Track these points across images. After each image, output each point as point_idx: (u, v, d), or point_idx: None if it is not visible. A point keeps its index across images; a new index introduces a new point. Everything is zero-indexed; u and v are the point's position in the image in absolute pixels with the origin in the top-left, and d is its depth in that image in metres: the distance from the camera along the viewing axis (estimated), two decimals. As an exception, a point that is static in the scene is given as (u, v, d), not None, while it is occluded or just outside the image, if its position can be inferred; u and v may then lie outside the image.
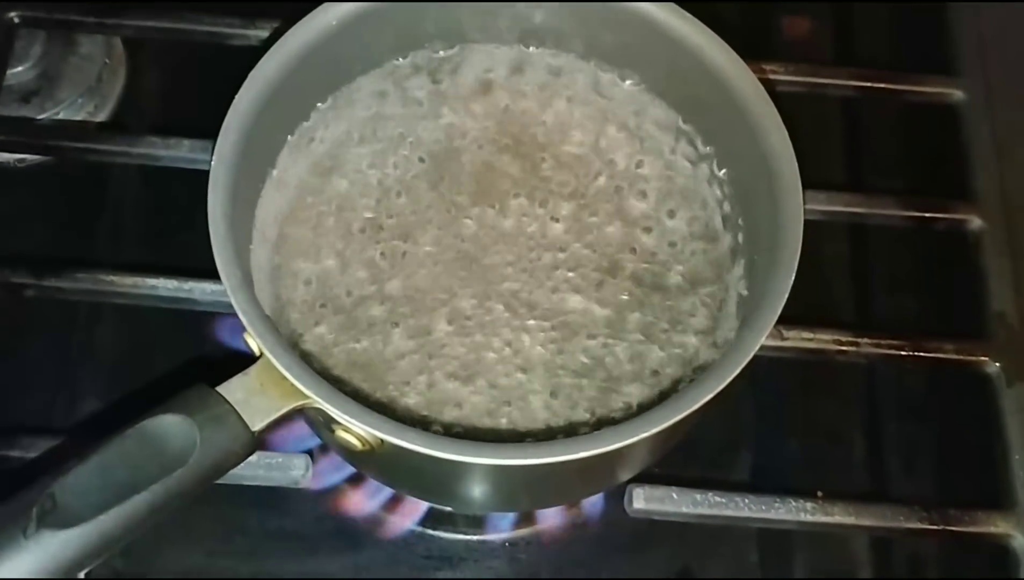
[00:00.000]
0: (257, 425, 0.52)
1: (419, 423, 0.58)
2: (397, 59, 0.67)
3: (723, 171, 0.65)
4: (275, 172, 0.64)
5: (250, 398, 0.52)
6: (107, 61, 0.81)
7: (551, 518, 0.69)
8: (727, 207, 0.64)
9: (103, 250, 0.76)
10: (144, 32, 0.78)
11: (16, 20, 0.76)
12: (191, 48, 0.78)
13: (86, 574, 0.48)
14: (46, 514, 0.46)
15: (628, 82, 0.68)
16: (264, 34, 0.75)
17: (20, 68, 0.78)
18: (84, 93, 0.79)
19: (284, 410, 0.53)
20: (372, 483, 0.68)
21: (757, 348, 0.54)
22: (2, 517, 0.46)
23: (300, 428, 0.65)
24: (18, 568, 0.45)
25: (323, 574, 0.67)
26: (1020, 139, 0.76)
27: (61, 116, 0.78)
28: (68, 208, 0.78)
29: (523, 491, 0.62)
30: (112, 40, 0.82)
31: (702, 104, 0.65)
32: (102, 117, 0.80)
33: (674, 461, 0.67)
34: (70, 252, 0.74)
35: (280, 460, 0.63)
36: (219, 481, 0.58)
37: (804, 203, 0.58)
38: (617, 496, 0.66)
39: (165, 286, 0.67)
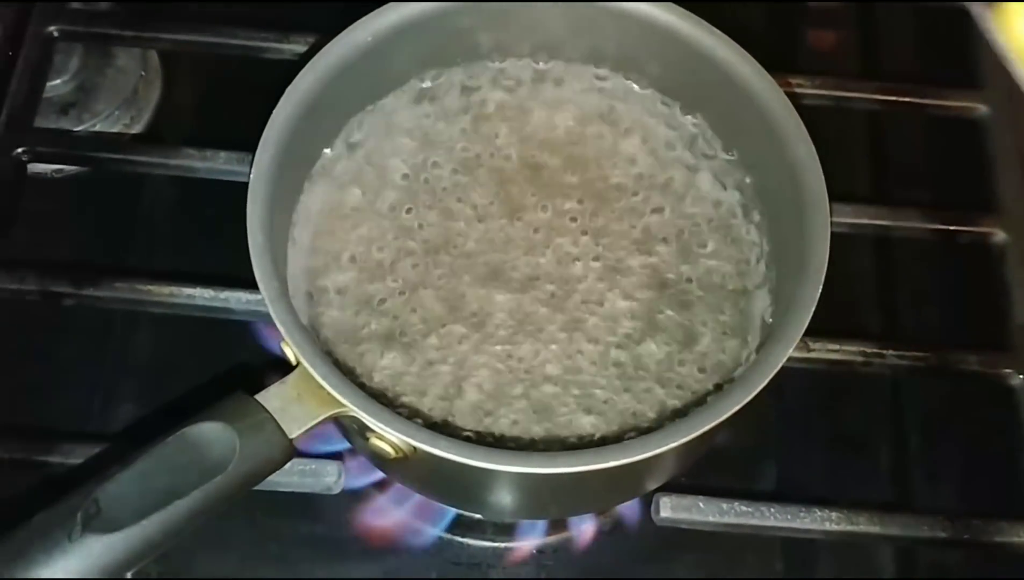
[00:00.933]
0: (294, 433, 0.53)
1: (451, 431, 0.59)
2: (430, 73, 0.68)
3: (749, 182, 0.66)
4: (311, 184, 0.65)
5: (287, 406, 0.53)
6: (143, 74, 0.82)
7: (579, 526, 0.69)
8: (754, 218, 0.65)
9: (140, 259, 0.77)
10: (179, 45, 0.79)
11: (55, 34, 0.77)
12: (225, 61, 0.79)
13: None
14: (90, 518, 0.47)
15: (651, 93, 0.69)
16: (298, 48, 0.76)
17: (58, 81, 0.80)
18: (120, 105, 0.80)
19: (320, 418, 0.54)
20: (401, 490, 0.69)
21: (784, 360, 0.54)
22: (48, 521, 0.48)
23: (330, 433, 0.66)
24: (63, 570, 0.47)
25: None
26: (1044, 153, 0.77)
27: (98, 128, 0.80)
28: (105, 218, 0.79)
29: (551, 499, 0.63)
30: (148, 53, 0.83)
31: (728, 116, 0.66)
32: (138, 129, 0.81)
33: (701, 470, 0.68)
34: (108, 261, 0.76)
35: (313, 467, 0.64)
36: (256, 488, 0.60)
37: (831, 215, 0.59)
38: (645, 505, 0.67)
39: (201, 295, 0.68)
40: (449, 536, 0.69)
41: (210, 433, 0.50)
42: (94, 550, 0.47)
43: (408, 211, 0.66)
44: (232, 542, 0.69)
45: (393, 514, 0.69)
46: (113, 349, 0.74)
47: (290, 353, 0.55)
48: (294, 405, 0.53)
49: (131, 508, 0.48)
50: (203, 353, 0.71)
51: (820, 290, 0.56)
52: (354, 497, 0.69)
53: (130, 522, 0.48)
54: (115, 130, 0.80)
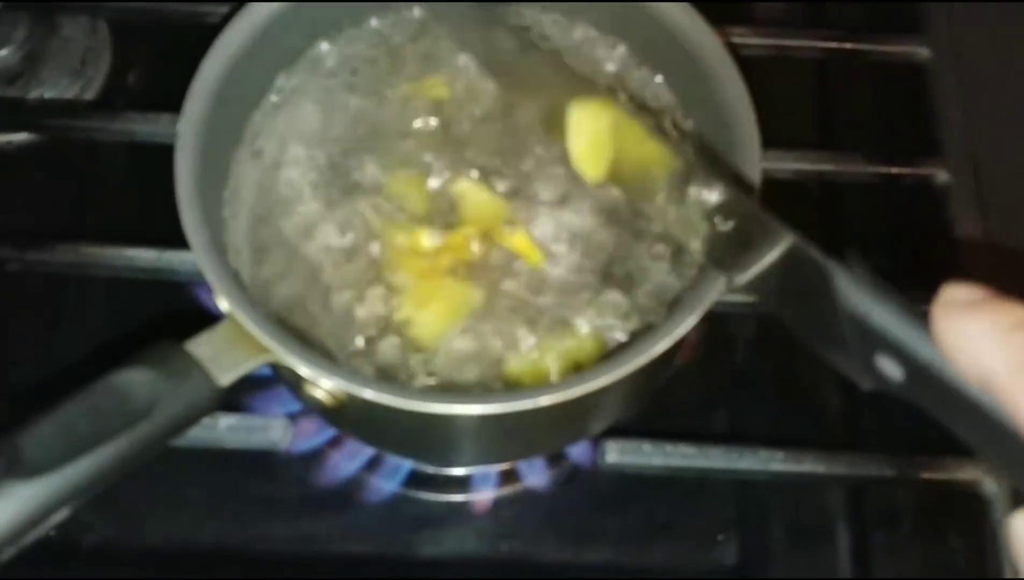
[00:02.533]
0: (225, 379, 0.53)
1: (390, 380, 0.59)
2: (367, 22, 0.68)
3: (687, 123, 0.65)
4: (247, 135, 0.65)
5: (217, 354, 0.53)
6: (91, 43, 0.82)
7: (534, 477, 0.69)
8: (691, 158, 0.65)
9: (86, 224, 0.77)
10: (123, 12, 0.80)
11: (-2, 3, 0.78)
12: (173, 28, 0.79)
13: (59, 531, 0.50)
14: (11, 465, 0.47)
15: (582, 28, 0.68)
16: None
17: (5, 51, 0.79)
18: (69, 75, 0.80)
19: (251, 364, 0.54)
20: (355, 447, 0.69)
21: (706, 306, 0.54)
22: (-33, 468, 0.48)
23: (283, 392, 0.66)
24: (-18, 517, 0.47)
25: (310, 537, 0.68)
26: (985, 93, 0.77)
27: (46, 98, 0.79)
28: (53, 186, 0.79)
29: (493, 442, 0.63)
30: (97, 23, 0.83)
31: (663, 57, 0.66)
32: (88, 98, 0.80)
33: (652, 416, 0.68)
34: (54, 227, 0.76)
35: (260, 423, 0.65)
36: (205, 446, 0.60)
37: (763, 159, 0.59)
38: (599, 454, 0.67)
39: (144, 257, 0.69)
40: (405, 491, 0.69)
41: (134, 380, 0.50)
42: (15, 495, 0.47)
43: (349, 162, 0.65)
44: (187, 502, 0.69)
45: (348, 470, 0.69)
46: (58, 312, 0.74)
47: (222, 303, 0.55)
48: (225, 352, 0.53)
49: (53, 454, 0.48)
50: (147, 313, 0.71)
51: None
52: (308, 455, 0.69)
53: (52, 467, 0.48)
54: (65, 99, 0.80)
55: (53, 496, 0.48)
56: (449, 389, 0.59)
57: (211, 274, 0.55)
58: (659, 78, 0.67)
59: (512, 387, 0.59)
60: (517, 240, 0.62)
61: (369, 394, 0.52)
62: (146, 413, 0.50)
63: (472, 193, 0.64)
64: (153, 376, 0.51)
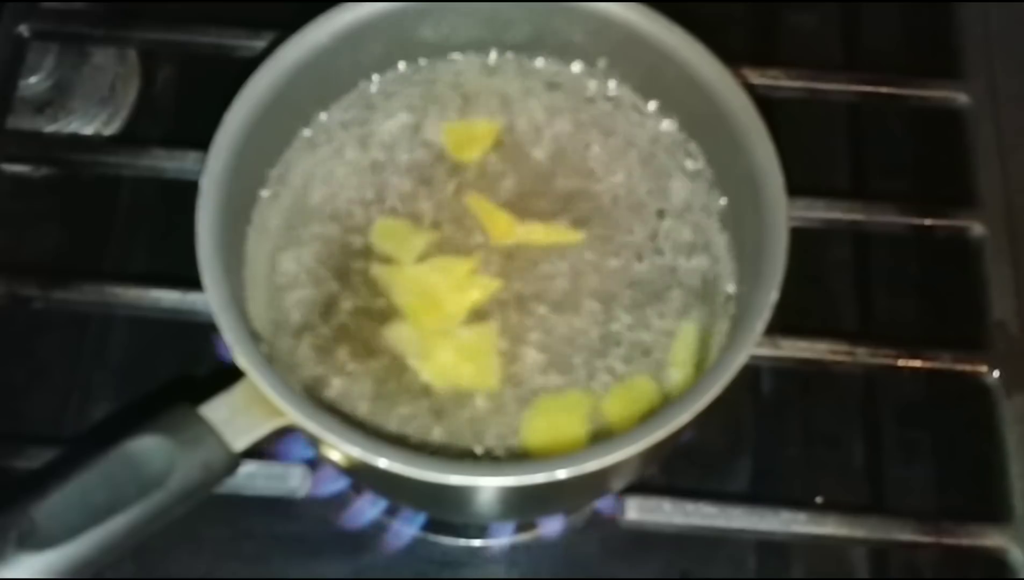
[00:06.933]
0: (239, 444, 0.53)
1: (405, 441, 0.59)
2: (387, 71, 0.67)
3: (717, 188, 0.64)
4: (268, 190, 0.64)
5: (233, 417, 0.53)
6: (119, 72, 0.82)
7: (552, 524, 0.69)
8: (721, 221, 0.64)
9: (111, 261, 0.77)
10: (151, 45, 0.79)
11: (26, 34, 0.77)
12: (202, 59, 0.79)
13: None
14: (25, 536, 0.47)
15: (617, 87, 0.68)
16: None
17: (33, 79, 0.80)
18: (97, 103, 0.80)
19: (267, 429, 0.53)
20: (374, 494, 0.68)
21: (734, 372, 0.53)
22: (-20, 539, 0.48)
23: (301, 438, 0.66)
24: (-3, 589, 0.47)
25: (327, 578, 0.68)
26: (1025, 143, 0.75)
27: (74, 126, 0.80)
28: (82, 218, 0.79)
29: (513, 504, 0.61)
30: (126, 51, 0.83)
31: (696, 118, 0.65)
32: (115, 127, 0.81)
33: (673, 469, 0.68)
34: (79, 262, 0.77)
35: (279, 471, 0.65)
36: (223, 491, 0.60)
37: (790, 217, 0.57)
38: (617, 501, 0.66)
39: (168, 297, 0.68)
40: (422, 534, 0.69)
41: (149, 446, 0.50)
42: (28, 567, 0.47)
43: (369, 215, 0.65)
44: (206, 541, 0.69)
45: (367, 515, 0.69)
46: (82, 351, 0.74)
47: (240, 362, 0.55)
48: (240, 416, 0.53)
49: (66, 524, 0.48)
50: (170, 355, 0.72)
51: (775, 296, 0.55)
52: (328, 497, 0.68)
53: (65, 538, 0.47)
54: (92, 128, 0.80)
55: (66, 567, 0.47)
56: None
57: (229, 334, 0.54)
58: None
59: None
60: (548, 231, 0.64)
61: (383, 463, 0.52)
62: (160, 482, 0.50)
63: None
64: (168, 443, 0.50)
